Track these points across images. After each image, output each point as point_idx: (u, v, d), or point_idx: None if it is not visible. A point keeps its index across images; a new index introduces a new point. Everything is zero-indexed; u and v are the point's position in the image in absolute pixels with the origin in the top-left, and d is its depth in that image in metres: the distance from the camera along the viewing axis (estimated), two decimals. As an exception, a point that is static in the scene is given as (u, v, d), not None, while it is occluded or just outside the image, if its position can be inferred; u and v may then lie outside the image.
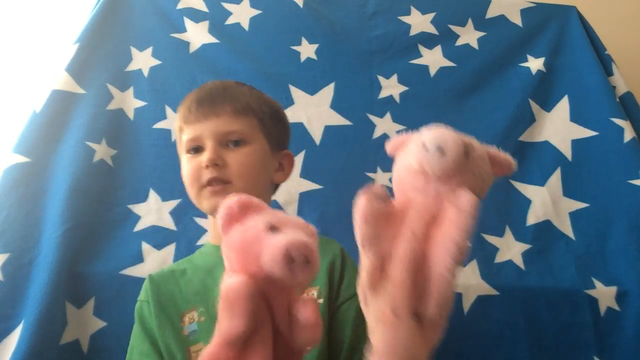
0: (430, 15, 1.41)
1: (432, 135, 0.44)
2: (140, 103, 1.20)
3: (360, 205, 0.45)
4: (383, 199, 0.46)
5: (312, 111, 1.23)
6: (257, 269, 0.41)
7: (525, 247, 1.10)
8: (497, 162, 0.54)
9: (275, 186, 0.89)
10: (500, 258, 1.08)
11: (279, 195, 1.10)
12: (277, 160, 0.85)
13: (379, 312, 0.43)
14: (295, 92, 1.25)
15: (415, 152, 0.45)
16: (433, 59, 1.35)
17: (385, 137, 1.22)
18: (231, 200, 0.45)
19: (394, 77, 1.31)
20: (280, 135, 0.86)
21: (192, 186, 0.78)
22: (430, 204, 0.45)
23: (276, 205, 1.09)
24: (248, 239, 0.42)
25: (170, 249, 1.04)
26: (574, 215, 1.16)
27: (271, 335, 0.43)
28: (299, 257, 0.39)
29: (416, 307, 0.41)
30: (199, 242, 1.05)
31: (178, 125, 0.83)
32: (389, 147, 0.53)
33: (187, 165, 0.79)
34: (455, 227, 0.42)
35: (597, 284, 1.05)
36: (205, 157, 0.76)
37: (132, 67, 1.24)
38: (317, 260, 0.42)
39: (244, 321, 0.39)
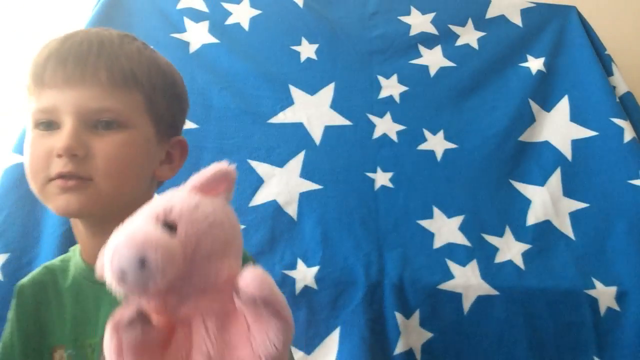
0: (430, 15, 1.41)
1: (110, 258, 0.33)
2: (140, 103, 1.20)
3: (108, 343, 0.34)
4: (136, 324, 0.34)
5: (312, 111, 1.23)
6: None
7: (525, 247, 1.10)
8: (213, 185, 0.40)
9: (159, 183, 0.65)
10: (500, 258, 1.08)
11: (279, 196, 1.10)
12: (165, 150, 0.63)
13: None
14: (295, 92, 1.25)
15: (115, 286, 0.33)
16: (433, 59, 1.35)
17: (385, 137, 1.22)
18: None
19: (394, 77, 1.31)
20: (173, 118, 0.64)
21: (35, 177, 0.55)
22: (204, 309, 0.35)
23: (276, 206, 1.09)
24: None
25: (170, 249, 1.04)
26: (574, 215, 1.16)
27: None
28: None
29: None
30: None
31: (26, 84, 0.58)
32: (100, 276, 0.36)
33: (33, 145, 0.55)
34: (254, 316, 0.33)
35: (597, 284, 1.05)
36: (60, 142, 0.52)
37: (132, 67, 1.24)
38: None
39: None
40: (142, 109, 0.58)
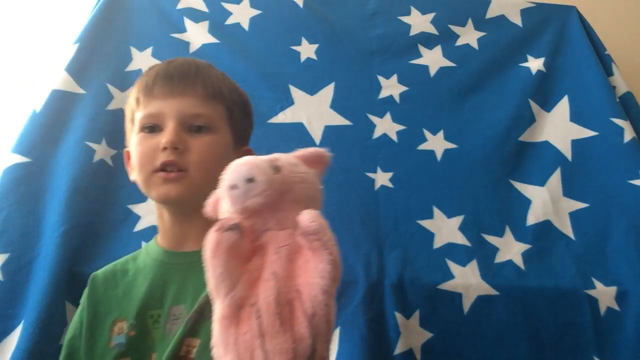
0: (430, 15, 1.41)
1: (229, 174, 0.45)
2: (140, 103, 1.20)
3: (210, 238, 0.42)
4: (235, 231, 0.43)
5: (312, 111, 1.23)
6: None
7: (525, 247, 1.10)
8: (311, 160, 0.54)
9: None
10: (500, 258, 1.08)
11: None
12: (237, 156, 0.78)
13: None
14: (295, 92, 1.25)
15: (226, 196, 0.45)
16: (433, 59, 1.35)
17: (385, 137, 1.22)
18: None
19: (394, 77, 1.31)
20: (245, 130, 0.80)
21: (142, 169, 0.68)
22: (280, 240, 0.45)
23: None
24: None
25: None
26: (574, 215, 1.16)
27: None
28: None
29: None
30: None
31: (134, 97, 0.73)
32: (209, 210, 0.50)
33: (140, 144, 0.69)
34: (311, 251, 0.42)
35: (597, 284, 1.05)
36: (165, 138, 0.67)
37: (132, 67, 1.24)
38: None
39: None
40: (224, 119, 0.73)
